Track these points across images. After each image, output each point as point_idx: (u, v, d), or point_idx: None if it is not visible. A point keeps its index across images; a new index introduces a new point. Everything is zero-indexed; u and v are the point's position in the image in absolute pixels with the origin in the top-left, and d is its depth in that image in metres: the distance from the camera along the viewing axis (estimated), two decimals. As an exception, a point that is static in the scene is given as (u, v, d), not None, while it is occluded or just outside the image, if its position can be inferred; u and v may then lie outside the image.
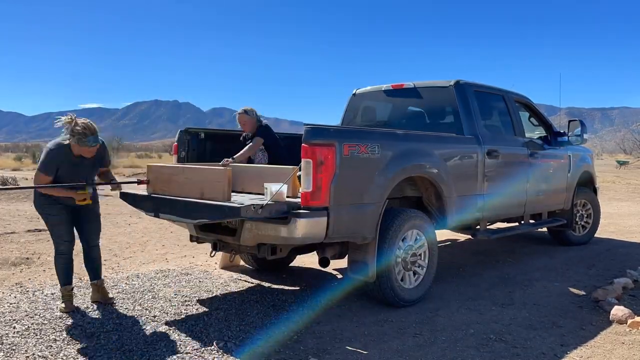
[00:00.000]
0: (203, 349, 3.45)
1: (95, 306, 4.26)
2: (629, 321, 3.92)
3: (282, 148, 5.26)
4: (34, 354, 3.31)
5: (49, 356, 3.30)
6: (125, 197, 4.39)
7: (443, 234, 7.33)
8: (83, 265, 4.38)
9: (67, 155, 3.94)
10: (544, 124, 6.62)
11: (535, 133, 6.70)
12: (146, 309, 4.22)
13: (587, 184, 7.30)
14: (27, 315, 4.00)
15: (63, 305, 4.11)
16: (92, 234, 4.29)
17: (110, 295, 4.40)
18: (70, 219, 4.14)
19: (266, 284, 5.07)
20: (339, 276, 5.39)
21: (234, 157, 4.81)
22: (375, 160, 4.01)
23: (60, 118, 3.94)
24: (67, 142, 3.90)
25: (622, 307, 4.11)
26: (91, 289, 4.41)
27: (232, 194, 3.86)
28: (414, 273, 4.46)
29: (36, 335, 3.61)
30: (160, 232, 7.76)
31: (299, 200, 3.71)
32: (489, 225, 5.85)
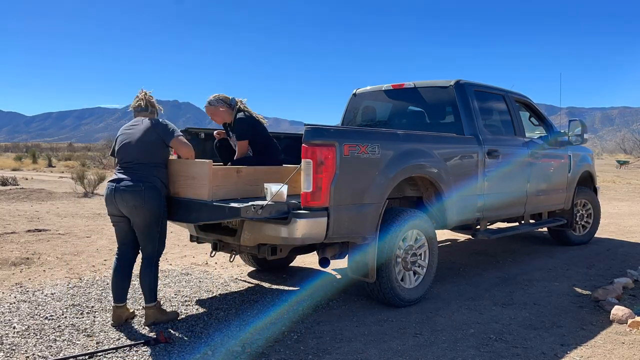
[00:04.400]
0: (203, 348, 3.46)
1: (94, 306, 4.26)
2: (629, 321, 3.92)
3: (262, 137, 4.58)
4: (34, 354, 3.31)
5: (49, 356, 3.29)
6: None
7: (443, 234, 7.34)
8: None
9: None
10: (545, 123, 6.62)
11: (535, 133, 6.70)
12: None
13: (587, 184, 7.30)
14: (27, 315, 4.00)
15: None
16: None
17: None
18: None
19: (266, 284, 5.07)
20: (339, 276, 5.39)
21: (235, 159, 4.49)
22: (376, 160, 4.01)
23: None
24: None
25: (622, 307, 4.10)
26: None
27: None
28: (414, 273, 4.46)
29: (36, 335, 3.61)
30: (160, 232, 7.76)
31: (299, 200, 3.71)
32: (489, 225, 5.85)
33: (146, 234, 3.78)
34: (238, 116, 4.48)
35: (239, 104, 4.56)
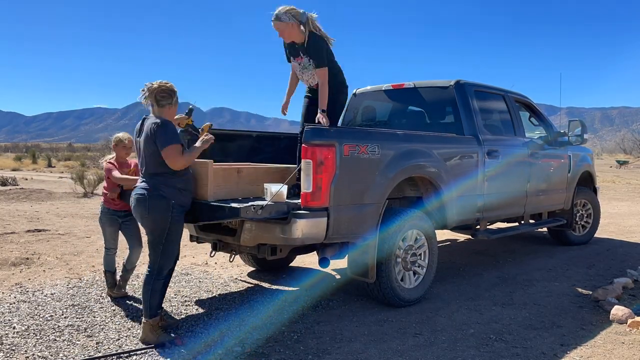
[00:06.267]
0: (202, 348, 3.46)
1: (94, 306, 4.26)
2: (629, 321, 3.92)
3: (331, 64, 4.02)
4: (34, 354, 3.31)
5: (49, 356, 3.30)
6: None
7: (443, 234, 7.33)
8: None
9: None
10: (545, 123, 6.62)
11: (535, 133, 6.70)
12: (146, 309, 4.21)
13: (587, 184, 7.31)
14: (27, 316, 4.00)
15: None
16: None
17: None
18: None
19: (266, 284, 5.07)
20: (339, 276, 5.39)
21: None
22: (376, 160, 4.01)
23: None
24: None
25: (622, 307, 4.11)
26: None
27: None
28: (414, 273, 4.46)
29: (36, 336, 3.61)
30: (160, 232, 7.75)
31: (298, 200, 3.70)
32: (489, 225, 5.85)
33: (151, 244, 3.56)
34: (314, 38, 3.88)
35: (310, 22, 3.92)
